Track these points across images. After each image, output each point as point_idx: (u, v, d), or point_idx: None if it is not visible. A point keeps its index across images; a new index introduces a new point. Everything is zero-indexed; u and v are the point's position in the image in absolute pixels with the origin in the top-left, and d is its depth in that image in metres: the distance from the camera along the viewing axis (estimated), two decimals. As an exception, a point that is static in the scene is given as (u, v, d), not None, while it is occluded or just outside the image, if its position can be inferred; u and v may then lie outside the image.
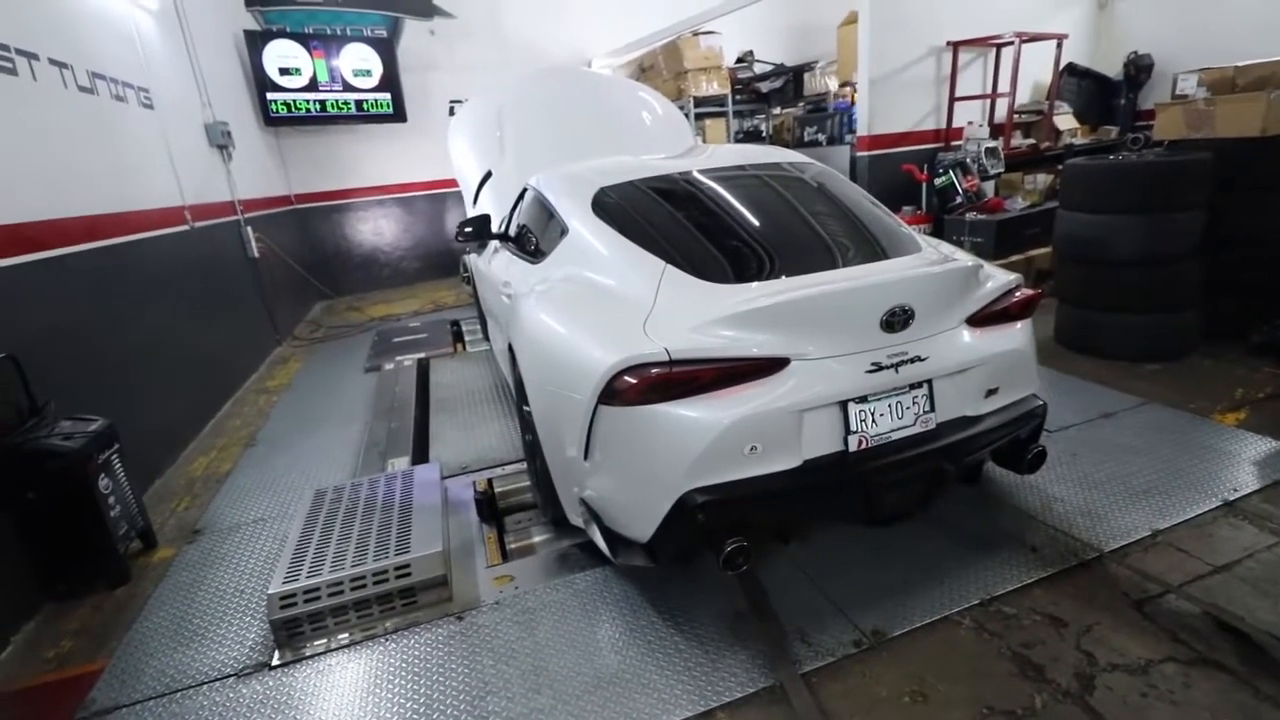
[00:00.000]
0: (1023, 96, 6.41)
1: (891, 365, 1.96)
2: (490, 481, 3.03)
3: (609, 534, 2.10)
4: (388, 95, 7.40)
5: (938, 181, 5.33)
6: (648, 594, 2.20)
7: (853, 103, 6.36)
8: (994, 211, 5.13)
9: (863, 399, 1.95)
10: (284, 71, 6.78)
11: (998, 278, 2.26)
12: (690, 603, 2.14)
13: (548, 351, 2.29)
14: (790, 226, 2.49)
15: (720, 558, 1.87)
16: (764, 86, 9.82)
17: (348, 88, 7.16)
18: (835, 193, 2.70)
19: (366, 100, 7.31)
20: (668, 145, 4.93)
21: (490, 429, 3.64)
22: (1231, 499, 2.45)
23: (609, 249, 2.45)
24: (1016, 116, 6.14)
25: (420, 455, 3.41)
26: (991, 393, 2.17)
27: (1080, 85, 6.90)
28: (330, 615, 2.15)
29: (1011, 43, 5.60)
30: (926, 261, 2.20)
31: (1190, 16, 6.39)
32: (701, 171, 2.80)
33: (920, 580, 2.15)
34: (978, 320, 2.15)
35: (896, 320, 1.94)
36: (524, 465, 3.14)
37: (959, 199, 5.24)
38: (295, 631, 2.13)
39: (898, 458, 1.98)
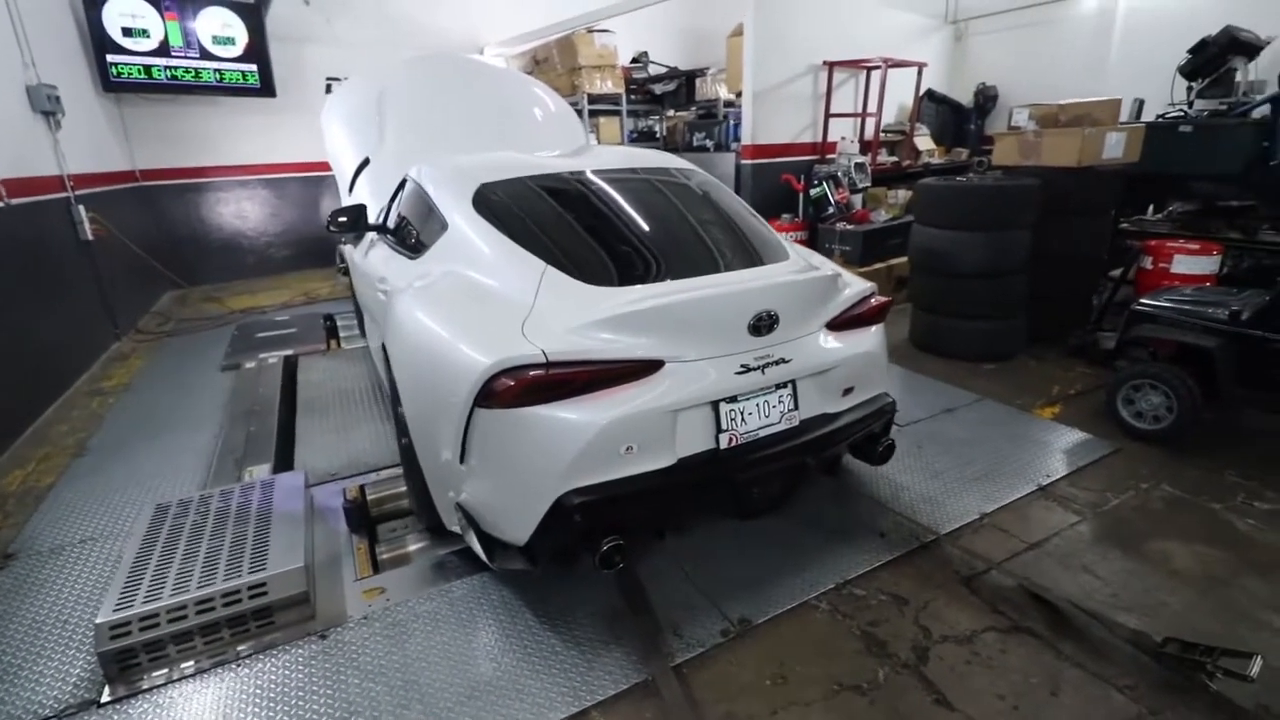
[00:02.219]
0: (888, 117, 6.97)
1: (759, 367, 2.07)
2: (362, 489, 2.86)
3: (486, 538, 2.07)
4: (254, 67, 6.76)
5: (813, 192, 5.69)
6: (527, 597, 2.19)
7: (740, 112, 6.61)
8: (861, 222, 5.55)
9: (733, 399, 2.05)
10: (127, 32, 6.01)
11: (855, 285, 2.45)
12: (570, 603, 2.15)
13: (422, 351, 2.21)
14: (672, 231, 2.56)
15: (597, 557, 1.90)
16: (658, 88, 9.99)
17: (206, 55, 6.48)
18: (716, 200, 2.80)
19: (229, 71, 6.64)
20: (559, 143, 4.91)
21: (363, 432, 3.46)
22: (1044, 484, 2.82)
23: (489, 247, 2.40)
24: (882, 135, 6.67)
25: (284, 462, 3.17)
26: (848, 391, 2.36)
27: (938, 110, 7.61)
28: (172, 642, 1.96)
29: (879, 66, 6.07)
30: (793, 269, 2.35)
31: (1026, 56, 7.23)
32: (589, 172, 2.82)
33: (785, 569, 2.30)
34: (836, 325, 2.32)
35: (763, 324, 2.05)
36: (400, 470, 3.02)
37: (831, 209, 5.62)
38: (129, 663, 1.92)
39: (765, 453, 2.10)
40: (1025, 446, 3.14)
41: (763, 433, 2.12)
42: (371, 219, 3.67)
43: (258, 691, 1.85)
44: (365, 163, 4.41)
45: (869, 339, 2.42)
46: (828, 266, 2.46)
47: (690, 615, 2.09)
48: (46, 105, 4.52)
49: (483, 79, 5.19)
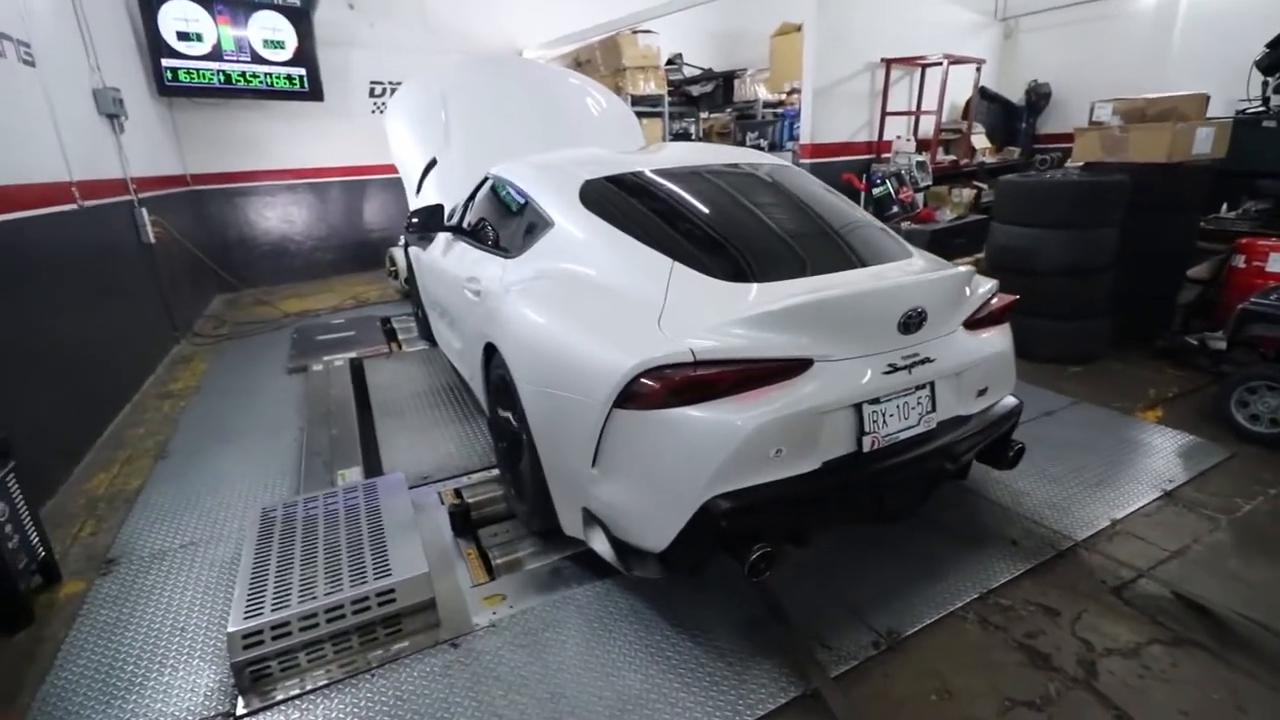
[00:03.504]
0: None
1: (906, 366, 1.98)
2: (458, 492, 2.81)
3: (617, 545, 1.99)
4: (302, 70, 6.78)
5: (876, 191, 5.59)
6: (656, 605, 2.10)
7: (799, 110, 6.53)
8: (926, 221, 5.44)
9: (875, 400, 1.96)
10: (182, 36, 6.04)
11: (984, 283, 2.35)
12: (701, 613, 2.07)
13: (546, 353, 2.14)
14: (793, 226, 2.47)
15: (746, 565, 1.81)
16: (694, 90, 9.95)
17: (257, 59, 6.50)
18: (825, 196, 2.72)
19: (278, 74, 6.66)
20: (619, 142, 4.86)
21: (445, 434, 3.40)
22: (1169, 489, 2.70)
23: (605, 244, 2.34)
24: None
25: (373, 465, 3.11)
26: (982, 393, 2.26)
27: (989, 108, 7.47)
28: (303, 651, 1.89)
29: (940, 63, 5.97)
30: (926, 266, 2.26)
31: (1080, 52, 7.08)
32: (690, 167, 2.75)
33: (919, 577, 2.20)
34: (971, 323, 2.23)
35: (913, 322, 1.96)
36: (491, 473, 2.96)
37: (895, 209, 5.52)
38: (262, 673, 1.86)
39: (907, 457, 2.01)
40: (1138, 451, 3.02)
41: (903, 435, 2.03)
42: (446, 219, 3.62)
43: (398, 703, 1.78)
44: (432, 163, 4.37)
45: (1001, 338, 2.32)
46: (957, 265, 2.36)
47: (833, 626, 2.00)
48: (111, 108, 4.53)
49: (540, 78, 5.15)
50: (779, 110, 8.96)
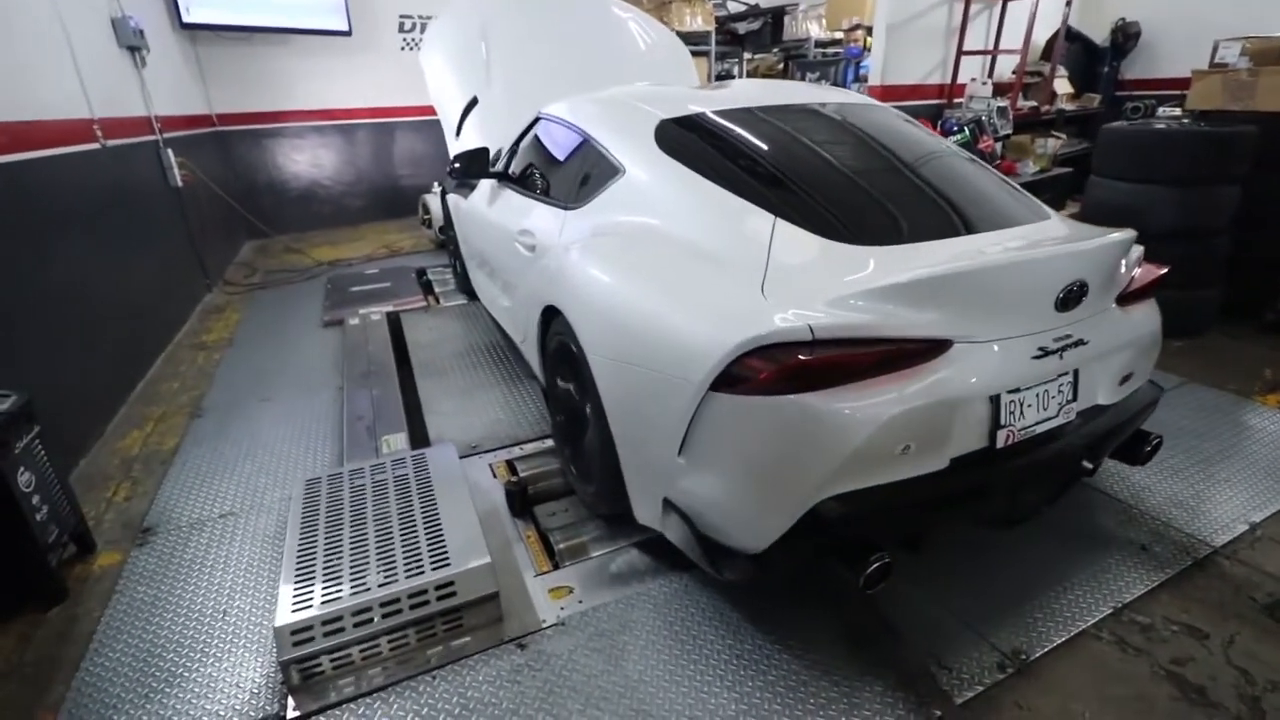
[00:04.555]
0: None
1: (1057, 350, 1.67)
2: (512, 466, 2.60)
3: (705, 542, 1.75)
4: (329, 1, 6.36)
5: (954, 139, 5.10)
6: (740, 608, 1.88)
7: (864, 48, 5.98)
8: (1008, 174, 4.96)
9: (1015, 388, 1.66)
10: (203, -37, 5.65)
11: (1135, 250, 2.00)
12: (793, 619, 1.84)
13: (623, 321, 1.86)
14: (913, 178, 2.12)
15: (862, 577, 1.56)
16: (741, 27, 9.30)
17: (281, -11, 6.10)
18: (936, 145, 2.36)
19: (304, 5, 6.25)
20: (674, 79, 4.45)
21: (490, 398, 3.17)
22: (1312, 489, 2.38)
23: (689, 194, 2.03)
24: (1015, 77, 5.96)
25: (417, 431, 2.91)
26: (1125, 379, 1.94)
27: (1069, 50, 6.78)
28: (357, 647, 1.71)
29: (1029, -6, 5.35)
30: (1072, 230, 1.92)
31: (1181, -14, 6.32)
32: (774, 106, 2.40)
33: (1041, 588, 1.94)
34: (1123, 299, 1.90)
35: (1072, 297, 1.65)
36: (544, 444, 2.74)
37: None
38: (313, 671, 1.68)
39: (1045, 454, 1.73)
40: (1262, 442, 2.68)
41: (1039, 429, 1.73)
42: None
43: (464, 712, 1.59)
44: (473, 103, 4.02)
45: (1153, 315, 2.00)
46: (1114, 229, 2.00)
47: (949, 643, 1.76)
48: (132, 40, 4.21)
49: (586, 7, 4.69)
50: (829, 50, 8.32)
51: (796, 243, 1.77)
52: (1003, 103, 5.20)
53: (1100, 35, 6.96)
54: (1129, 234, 1.78)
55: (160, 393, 3.44)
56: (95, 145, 3.47)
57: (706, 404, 1.60)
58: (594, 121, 2.53)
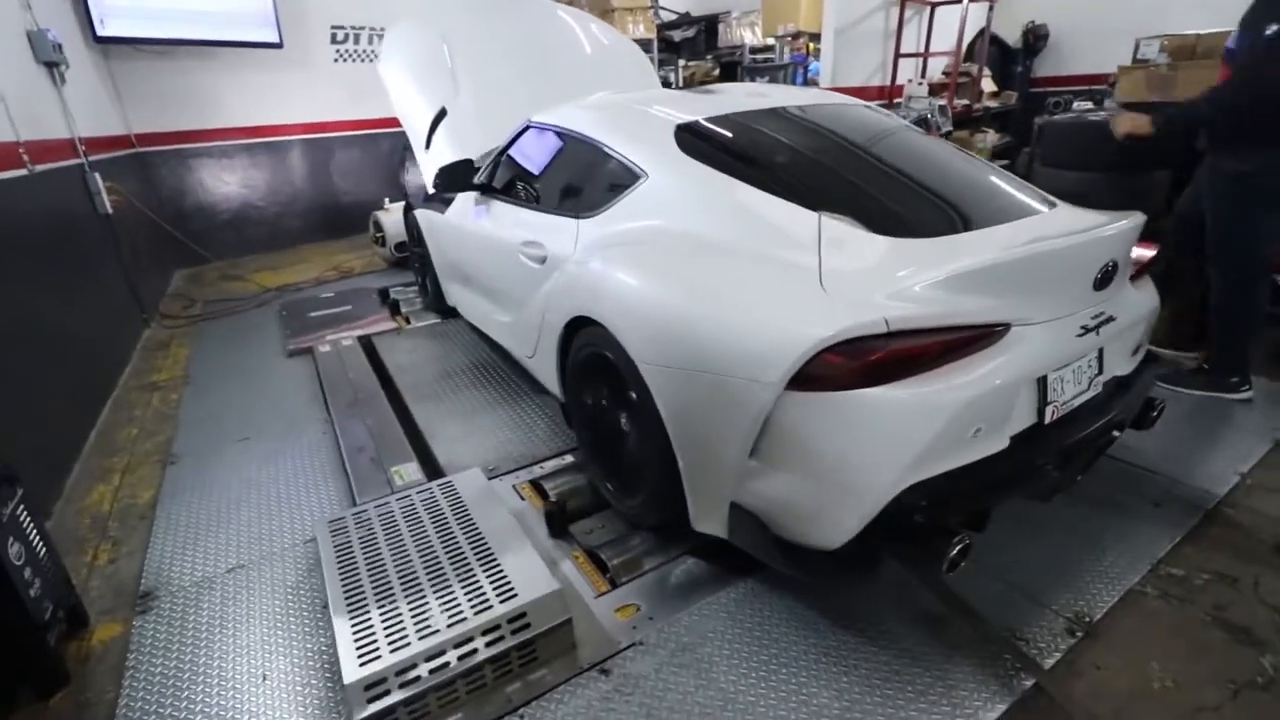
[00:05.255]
0: (946, 59, 6.62)
1: (1095, 326, 1.77)
2: (538, 486, 2.51)
3: (779, 543, 1.74)
4: (258, 9, 5.99)
5: (903, 137, 5.35)
6: (813, 606, 1.88)
7: (807, 54, 6.18)
8: (954, 168, 5.25)
9: (1062, 365, 1.75)
10: (114, -28, 5.21)
11: (1133, 232, 2.15)
12: (864, 611, 1.86)
13: (676, 326, 1.83)
14: (924, 172, 2.20)
15: (945, 560, 1.59)
16: (676, 35, 9.44)
17: (202, -1, 5.69)
18: (931, 140, 2.46)
19: (231, 17, 5.86)
20: (639, 82, 4.46)
21: (495, 419, 3.06)
22: (1279, 438, 2.62)
23: (722, 196, 2.03)
24: (945, 77, 6.33)
25: (427, 459, 2.76)
26: (1136, 350, 2.09)
27: (988, 51, 7.27)
28: (434, 695, 1.60)
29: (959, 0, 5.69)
30: (1084, 214, 2.04)
31: (1083, -11, 6.89)
32: (774, 109, 2.44)
33: (1079, 553, 2.05)
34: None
35: (1107, 277, 1.75)
36: (564, 460, 2.66)
37: (919, 155, 5.30)
38: (389, 726, 1.56)
39: (1087, 425, 1.83)
40: (1220, 398, 2.94)
41: (1076, 402, 1.84)
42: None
43: (563, 749, 1.52)
44: (442, 114, 3.88)
45: (1153, 290, 2.15)
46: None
47: (1018, 615, 1.82)
48: (50, 54, 3.82)
49: (542, 14, 4.63)
50: (760, 56, 8.56)
51: (846, 238, 1.79)
52: (942, 101, 5.51)
53: (1013, 37, 7.50)
54: (1141, 217, 1.91)
55: (118, 441, 3.12)
56: (23, 171, 3.12)
57: (782, 404, 1.60)
58: (603, 128, 2.49)
